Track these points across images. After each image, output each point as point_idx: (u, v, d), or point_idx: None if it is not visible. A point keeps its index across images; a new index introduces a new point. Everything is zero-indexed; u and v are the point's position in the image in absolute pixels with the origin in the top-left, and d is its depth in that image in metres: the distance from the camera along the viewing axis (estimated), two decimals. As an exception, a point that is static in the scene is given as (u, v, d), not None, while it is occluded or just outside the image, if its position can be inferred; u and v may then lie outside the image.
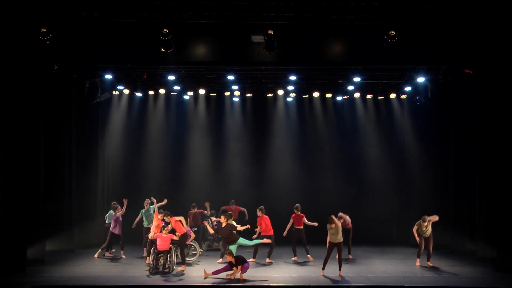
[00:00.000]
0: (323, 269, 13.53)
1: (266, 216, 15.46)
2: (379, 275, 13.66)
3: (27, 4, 13.35)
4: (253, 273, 13.73)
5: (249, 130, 20.41)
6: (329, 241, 13.51)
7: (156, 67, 16.84)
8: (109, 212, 16.47)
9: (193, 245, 15.42)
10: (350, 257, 16.01)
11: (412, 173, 19.53)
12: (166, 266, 13.88)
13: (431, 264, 14.69)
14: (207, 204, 17.59)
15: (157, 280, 13.06)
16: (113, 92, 18.98)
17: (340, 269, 13.51)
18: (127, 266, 14.61)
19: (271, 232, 15.35)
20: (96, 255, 15.76)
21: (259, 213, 15.48)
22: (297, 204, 15.88)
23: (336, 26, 14.09)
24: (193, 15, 13.88)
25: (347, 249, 16.05)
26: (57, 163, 16.62)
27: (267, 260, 15.34)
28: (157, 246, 13.97)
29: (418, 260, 14.87)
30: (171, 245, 14.09)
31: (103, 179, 19.43)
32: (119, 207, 16.00)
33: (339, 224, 13.53)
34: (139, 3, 13.55)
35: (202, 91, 19.45)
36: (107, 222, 16.39)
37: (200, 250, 15.82)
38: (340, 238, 13.48)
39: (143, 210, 16.28)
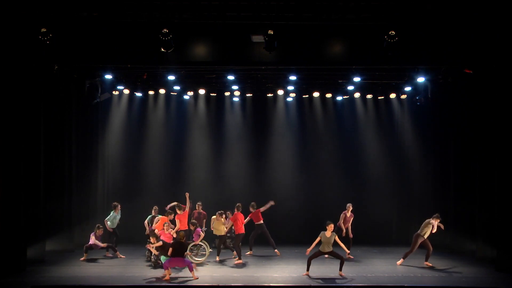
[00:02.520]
0: (308, 270, 13.54)
1: (242, 215, 15.57)
2: (379, 275, 13.67)
3: (27, 4, 13.36)
4: (253, 273, 13.76)
5: (249, 130, 20.39)
6: (320, 250, 13.53)
7: (156, 67, 16.83)
8: (110, 215, 16.44)
9: (202, 245, 15.40)
10: (351, 256, 16.01)
11: (412, 173, 19.53)
12: None
13: (430, 264, 14.72)
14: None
15: (158, 278, 13.10)
16: (113, 92, 18.98)
17: (340, 269, 13.51)
18: (127, 266, 14.61)
19: (242, 231, 15.47)
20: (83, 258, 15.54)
21: (235, 210, 15.60)
22: (252, 203, 16.51)
23: (336, 26, 14.09)
24: (193, 15, 13.89)
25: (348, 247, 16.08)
26: (57, 163, 16.59)
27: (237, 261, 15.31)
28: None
29: (426, 263, 14.84)
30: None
31: (103, 179, 19.43)
32: (101, 227, 15.86)
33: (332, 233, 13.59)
34: (139, 3, 13.56)
35: (202, 91, 19.46)
36: (108, 225, 16.31)
37: (210, 250, 15.80)
38: (330, 248, 13.52)
39: (150, 216, 16.28)
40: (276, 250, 16.33)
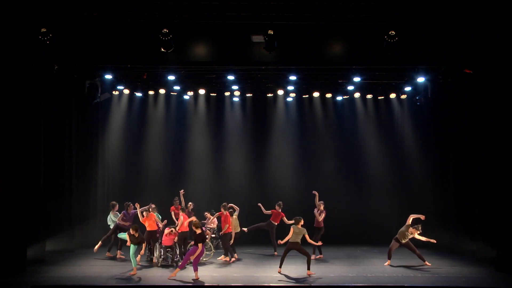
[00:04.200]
0: (280, 267, 13.70)
1: (228, 214, 15.58)
2: (379, 275, 13.67)
3: (27, 4, 13.36)
4: (253, 273, 13.76)
5: (249, 130, 20.40)
6: (290, 242, 13.64)
7: (156, 67, 16.84)
8: (109, 216, 16.43)
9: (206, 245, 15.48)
10: (321, 256, 15.99)
11: (412, 173, 19.53)
12: (175, 259, 14.58)
13: (429, 264, 14.75)
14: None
15: (159, 277, 13.12)
16: (113, 92, 18.98)
17: (308, 268, 13.62)
18: (127, 266, 14.59)
19: (230, 230, 15.47)
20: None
21: (222, 210, 15.62)
22: (279, 202, 16.73)
23: (336, 26, 14.10)
24: (193, 15, 13.90)
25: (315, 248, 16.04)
26: (57, 163, 16.60)
27: (222, 258, 15.45)
28: (162, 241, 14.62)
29: (425, 262, 14.88)
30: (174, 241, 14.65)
31: (103, 179, 19.42)
32: (131, 204, 15.93)
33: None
34: (139, 3, 13.57)
35: (202, 91, 19.47)
36: (110, 224, 16.30)
37: (213, 250, 15.85)
38: (299, 240, 13.68)
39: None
40: (275, 253, 16.42)
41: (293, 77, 16.91)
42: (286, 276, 13.48)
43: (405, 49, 13.79)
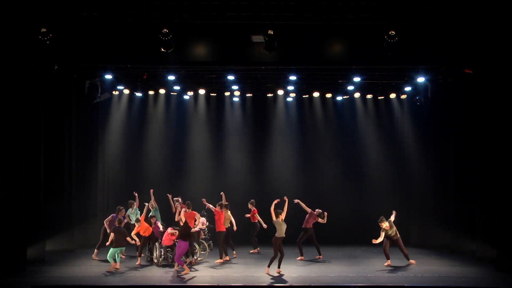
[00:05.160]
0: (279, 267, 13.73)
1: (222, 212, 15.66)
2: (379, 275, 13.67)
3: (27, 4, 13.37)
4: (253, 273, 13.76)
5: (249, 130, 20.40)
6: (276, 237, 13.66)
7: (156, 67, 16.84)
8: (128, 210, 16.41)
9: (200, 245, 15.45)
10: (320, 257, 16.03)
11: (412, 173, 19.52)
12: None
13: (413, 262, 14.88)
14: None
15: (159, 277, 13.11)
16: (113, 92, 18.98)
17: (278, 266, 13.71)
18: (127, 266, 14.60)
19: (223, 229, 15.52)
20: (94, 256, 15.58)
21: (218, 208, 15.71)
22: (252, 200, 17.00)
23: (336, 26, 14.12)
24: (193, 15, 13.91)
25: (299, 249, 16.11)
26: (57, 163, 16.61)
27: (220, 260, 15.43)
28: (162, 241, 14.60)
29: (410, 261, 15.01)
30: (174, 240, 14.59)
31: (103, 179, 19.43)
32: (123, 210, 15.88)
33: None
34: (139, 3, 13.57)
35: (202, 91, 19.47)
36: (131, 221, 16.23)
37: (208, 250, 15.90)
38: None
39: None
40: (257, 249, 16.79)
41: (293, 77, 16.91)
42: (285, 276, 13.47)
43: (405, 49, 13.80)
